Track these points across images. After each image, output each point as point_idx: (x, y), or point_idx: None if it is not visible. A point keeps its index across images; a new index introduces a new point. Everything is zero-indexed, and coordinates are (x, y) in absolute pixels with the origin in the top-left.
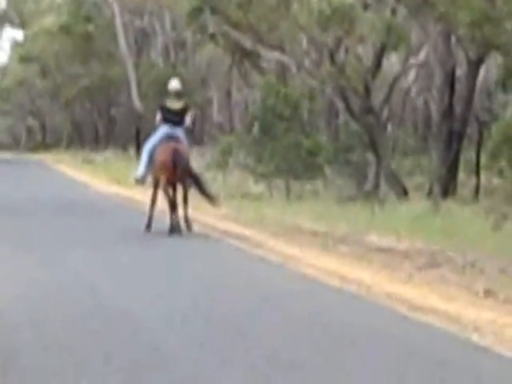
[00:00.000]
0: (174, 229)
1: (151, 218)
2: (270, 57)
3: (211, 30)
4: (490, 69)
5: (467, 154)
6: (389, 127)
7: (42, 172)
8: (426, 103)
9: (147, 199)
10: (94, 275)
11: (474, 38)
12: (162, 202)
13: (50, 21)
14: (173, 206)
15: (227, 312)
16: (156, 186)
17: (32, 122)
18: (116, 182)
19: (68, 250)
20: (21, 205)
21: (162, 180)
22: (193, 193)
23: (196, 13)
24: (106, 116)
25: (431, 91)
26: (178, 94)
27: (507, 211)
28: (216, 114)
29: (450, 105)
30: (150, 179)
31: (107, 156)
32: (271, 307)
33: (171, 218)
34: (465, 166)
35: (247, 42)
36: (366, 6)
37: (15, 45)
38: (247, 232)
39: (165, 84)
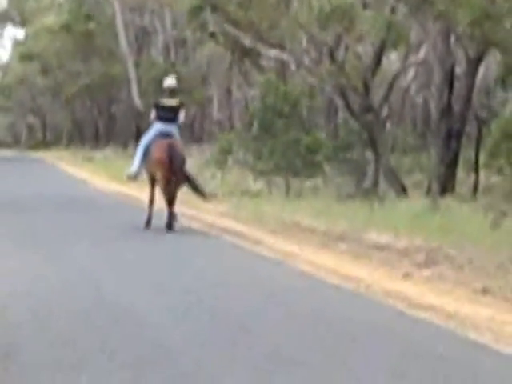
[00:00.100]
0: (170, 224)
1: (151, 215)
2: (269, 55)
3: (211, 28)
4: (490, 67)
5: (466, 152)
6: (388, 125)
7: (43, 170)
8: (425, 101)
9: (146, 196)
10: (96, 271)
11: (473, 36)
12: (160, 200)
13: (51, 19)
14: (166, 199)
15: (229, 308)
16: (153, 184)
17: (33, 119)
18: (116, 180)
19: (70, 246)
20: (22, 202)
21: (159, 177)
22: (192, 192)
23: (196, 11)
24: (107, 114)
25: (430, 89)
26: (173, 91)
27: (506, 209)
28: (216, 111)
29: (449, 103)
30: (144, 176)
31: (107, 154)
32: (272, 304)
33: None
34: (464, 163)
35: (247, 40)
36: (365, 4)
37: (16, 43)
38: (246, 229)
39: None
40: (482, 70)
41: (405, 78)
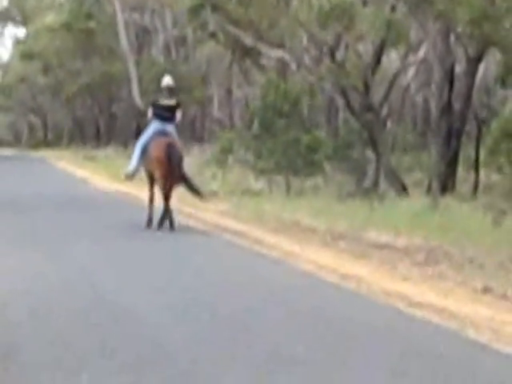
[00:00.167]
0: (171, 222)
1: (151, 214)
2: (270, 54)
3: (212, 27)
4: (489, 66)
5: (466, 151)
6: (388, 124)
7: (44, 169)
8: (425, 100)
9: (146, 195)
10: (96, 270)
11: (473, 35)
12: (160, 198)
13: (51, 18)
14: (164, 196)
15: (229, 307)
16: (151, 183)
17: (33, 118)
18: (117, 179)
19: (70, 245)
20: (23, 201)
21: (157, 175)
22: (188, 191)
23: (197, 10)
24: (107, 113)
25: (430, 88)
26: (171, 91)
27: (506, 207)
28: (216, 110)
29: (449, 101)
30: (142, 175)
31: (108, 153)
32: (271, 303)
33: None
34: (464, 162)
35: (247, 40)
36: (365, 3)
37: (17, 42)
38: (247, 228)
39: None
40: (481, 69)
41: (405, 76)
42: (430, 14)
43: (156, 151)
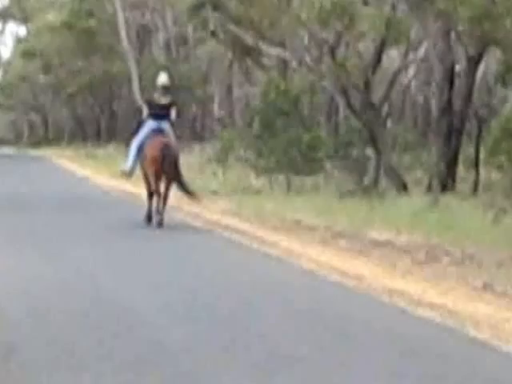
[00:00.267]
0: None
1: (150, 211)
2: (270, 53)
3: (212, 26)
4: (490, 64)
5: (466, 149)
6: (389, 122)
7: (45, 167)
8: (425, 99)
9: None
10: (96, 269)
11: (473, 34)
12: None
13: (52, 16)
14: (156, 195)
15: (229, 306)
16: (148, 181)
17: (34, 117)
18: (117, 177)
19: (70, 244)
20: (24, 199)
21: (150, 173)
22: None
23: (197, 9)
24: (108, 111)
25: (431, 87)
26: (166, 89)
27: (506, 206)
28: (217, 109)
29: (450, 100)
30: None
31: (109, 151)
32: (272, 301)
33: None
34: (464, 160)
35: (248, 38)
36: (365, 2)
37: (18, 40)
38: (247, 226)
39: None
40: (482, 67)
41: (405, 75)
42: (431, 12)
43: (151, 150)
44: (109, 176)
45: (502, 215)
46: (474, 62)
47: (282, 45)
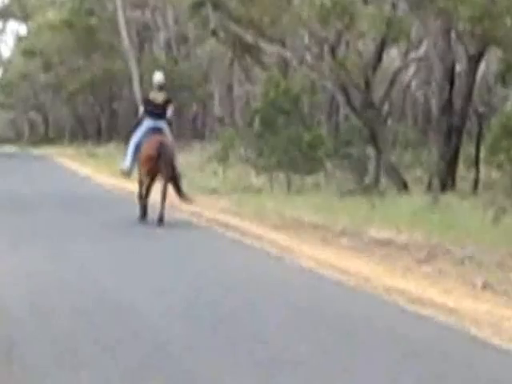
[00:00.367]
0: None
1: (145, 207)
2: (271, 51)
3: (213, 24)
4: (490, 63)
5: (467, 148)
6: (389, 121)
7: (46, 165)
8: (425, 97)
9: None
10: (98, 268)
11: (473, 33)
12: (157, 193)
13: (52, 15)
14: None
15: (230, 306)
16: (141, 180)
17: (35, 115)
18: (118, 176)
19: (72, 243)
20: (26, 198)
21: (143, 172)
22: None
23: (198, 7)
24: (109, 110)
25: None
26: (161, 87)
27: (506, 204)
28: (217, 108)
29: (450, 99)
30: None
31: (110, 149)
32: (273, 301)
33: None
34: (464, 159)
35: (249, 37)
36: (366, 1)
37: (18, 39)
38: (248, 225)
39: (166, 78)
40: (482, 66)
41: (406, 74)
42: (431, 11)
43: (148, 149)
44: (110, 174)
45: (502, 214)
46: (474, 60)
47: (282, 43)
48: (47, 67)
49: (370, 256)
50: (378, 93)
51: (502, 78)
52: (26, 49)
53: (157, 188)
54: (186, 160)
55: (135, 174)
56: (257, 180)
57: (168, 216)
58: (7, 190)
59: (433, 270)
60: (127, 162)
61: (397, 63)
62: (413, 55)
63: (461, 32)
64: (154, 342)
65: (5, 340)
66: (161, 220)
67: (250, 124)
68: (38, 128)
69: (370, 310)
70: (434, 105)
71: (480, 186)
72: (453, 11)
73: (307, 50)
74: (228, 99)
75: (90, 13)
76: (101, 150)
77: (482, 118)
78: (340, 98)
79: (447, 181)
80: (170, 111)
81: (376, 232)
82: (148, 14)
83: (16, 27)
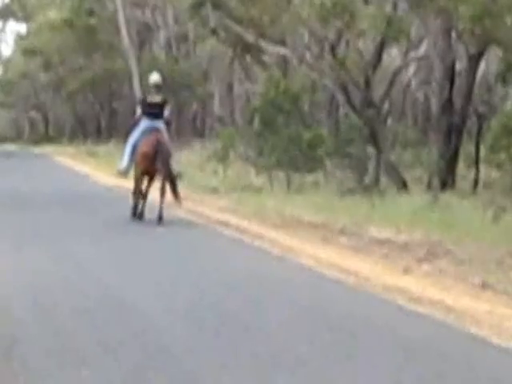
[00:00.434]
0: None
1: (143, 205)
2: (271, 50)
3: (213, 24)
4: (490, 63)
5: (467, 147)
6: (389, 120)
7: (46, 164)
8: (426, 97)
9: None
10: (99, 267)
11: (474, 32)
12: (155, 192)
13: (53, 14)
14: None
15: (230, 305)
16: (137, 179)
17: (35, 114)
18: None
19: (74, 242)
20: (26, 197)
21: (139, 171)
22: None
23: (198, 7)
24: (109, 109)
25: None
26: (158, 88)
27: (506, 204)
28: (217, 107)
29: (450, 98)
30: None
31: (109, 148)
32: (273, 300)
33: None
34: (464, 158)
35: (249, 36)
36: (366, 0)
37: (19, 38)
38: (248, 224)
39: (167, 77)
40: (482, 66)
41: (406, 73)
42: (431, 10)
43: (144, 147)
44: (109, 173)
45: (502, 213)
46: (474, 60)
47: (282, 42)
48: (47, 66)
49: (370, 255)
50: (378, 92)
51: (502, 78)
52: (27, 48)
53: (155, 186)
54: (186, 159)
55: (133, 173)
56: (257, 179)
57: (168, 214)
58: (8, 189)
59: (433, 268)
60: (124, 162)
61: (397, 62)
62: (413, 54)
63: (461, 31)
64: (155, 342)
65: (7, 339)
66: (160, 218)
67: (250, 123)
68: (38, 127)
69: (370, 308)
70: (434, 104)
71: (480, 185)
72: (453, 10)
73: (307, 49)
74: (228, 98)
75: (90, 12)
76: (101, 149)
77: (482, 118)
78: (340, 97)
79: (447, 180)
80: (167, 111)
81: (376, 231)
82: (148, 13)
83: (16, 26)
